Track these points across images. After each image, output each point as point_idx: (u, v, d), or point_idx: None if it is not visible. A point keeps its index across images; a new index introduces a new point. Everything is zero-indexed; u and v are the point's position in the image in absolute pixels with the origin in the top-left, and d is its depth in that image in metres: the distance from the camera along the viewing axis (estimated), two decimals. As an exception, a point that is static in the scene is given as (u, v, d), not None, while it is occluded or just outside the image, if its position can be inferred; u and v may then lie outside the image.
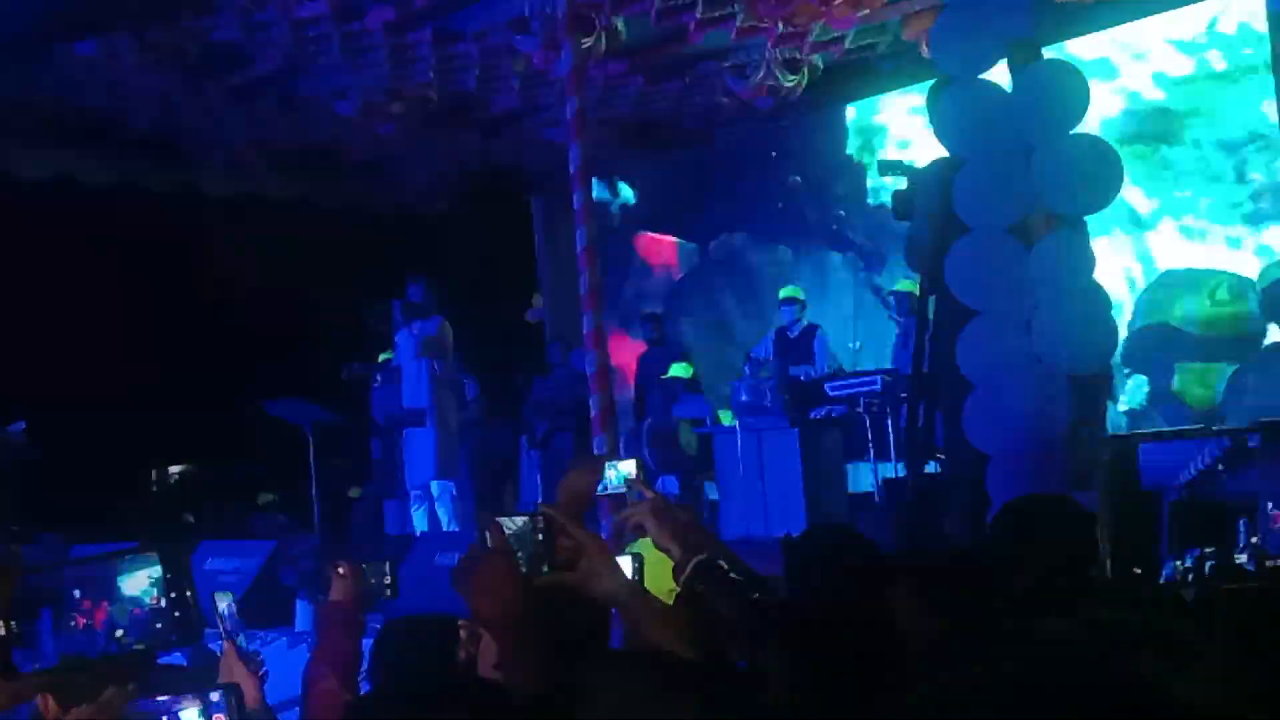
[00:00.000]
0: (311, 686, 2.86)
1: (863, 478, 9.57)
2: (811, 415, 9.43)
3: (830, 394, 9.52)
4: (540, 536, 2.22)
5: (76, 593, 1.33)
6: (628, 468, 2.82)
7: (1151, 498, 1.53)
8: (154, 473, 12.03)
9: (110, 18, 8.25)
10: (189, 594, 1.36)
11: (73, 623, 1.31)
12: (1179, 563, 1.52)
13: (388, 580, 3.17)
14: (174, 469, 12.08)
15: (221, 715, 2.23)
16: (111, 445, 10.89)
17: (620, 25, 8.91)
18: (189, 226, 11.37)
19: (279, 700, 3.35)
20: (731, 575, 2.37)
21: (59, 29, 8.44)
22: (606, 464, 2.82)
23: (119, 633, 1.33)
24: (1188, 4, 9.40)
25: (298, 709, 3.04)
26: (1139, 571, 1.56)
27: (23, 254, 10.86)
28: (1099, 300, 5.30)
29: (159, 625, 1.33)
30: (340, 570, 3.06)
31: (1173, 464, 1.53)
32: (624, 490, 2.80)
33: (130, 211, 11.20)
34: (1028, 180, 5.05)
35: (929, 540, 6.11)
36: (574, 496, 2.65)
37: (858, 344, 10.17)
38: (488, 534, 2.26)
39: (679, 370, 10.64)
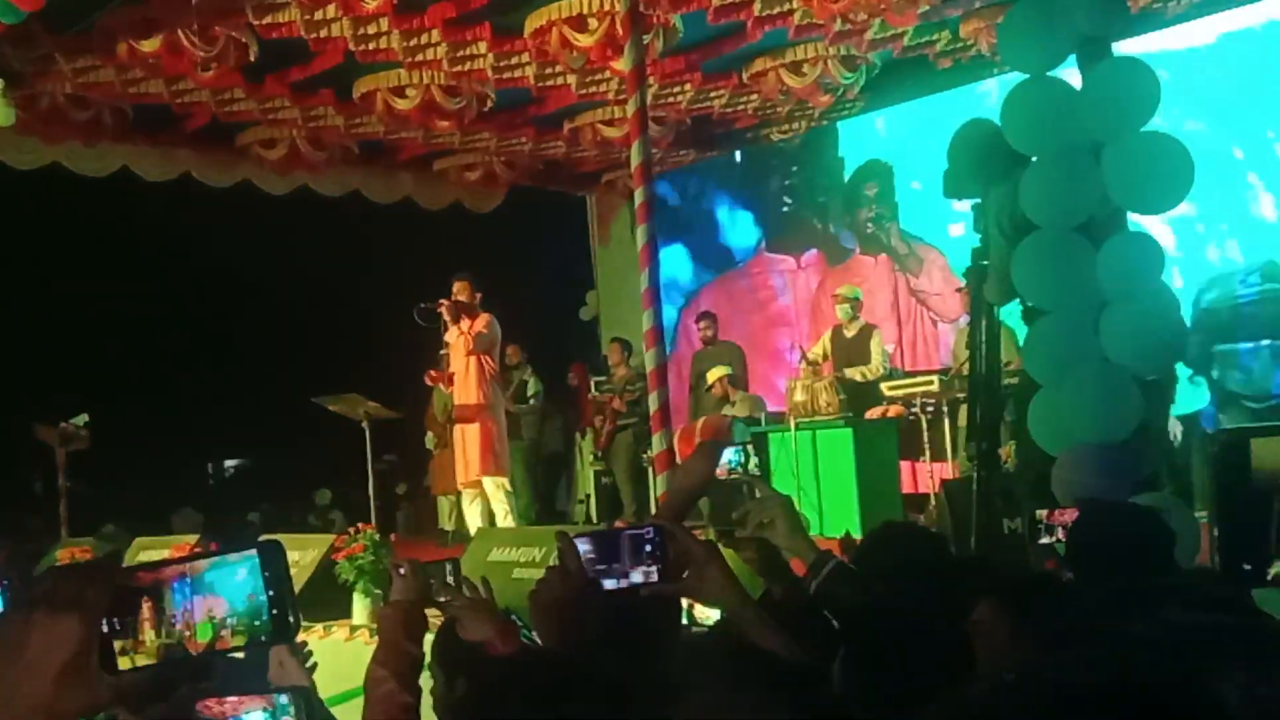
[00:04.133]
0: (373, 689, 2.85)
1: (917, 477, 9.52)
2: (867, 415, 9.39)
3: (886, 394, 9.47)
4: (659, 549, 2.16)
5: (177, 590, 1.32)
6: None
7: (1262, 494, 1.49)
8: (211, 466, 12.16)
9: (172, 14, 8.32)
10: (287, 591, 1.35)
11: (174, 619, 1.30)
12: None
13: (449, 579, 3.15)
14: (231, 462, 12.22)
15: (289, 718, 2.22)
16: (169, 439, 11.02)
17: (677, 22, 8.90)
18: (246, 222, 11.48)
19: (336, 693, 3.36)
20: (865, 580, 2.35)
21: (122, 25, 8.52)
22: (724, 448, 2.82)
23: (222, 631, 1.31)
24: (1253, 1, 9.26)
25: (352, 703, 3.03)
26: (1248, 567, 1.52)
27: (82, 249, 11.02)
28: (1167, 300, 5.22)
29: (257, 623, 1.32)
30: (401, 570, 3.05)
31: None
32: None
33: (188, 207, 11.33)
34: (1097, 179, 4.98)
35: (990, 542, 6.05)
36: (692, 484, 2.63)
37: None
38: (563, 553, 2.22)
39: (716, 373, 10.57)
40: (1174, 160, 5.07)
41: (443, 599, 3.05)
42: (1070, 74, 5.27)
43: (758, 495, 2.72)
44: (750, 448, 2.91)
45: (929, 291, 11.31)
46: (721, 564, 2.16)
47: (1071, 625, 2.21)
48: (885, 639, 2.24)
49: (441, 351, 9.54)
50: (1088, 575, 2.57)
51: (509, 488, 9.25)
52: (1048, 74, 5.18)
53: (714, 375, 10.57)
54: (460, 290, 9.23)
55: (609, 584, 2.15)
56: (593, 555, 2.17)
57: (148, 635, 1.30)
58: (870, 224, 11.91)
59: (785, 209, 12.66)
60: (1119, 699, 1.38)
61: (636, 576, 2.14)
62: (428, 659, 2.87)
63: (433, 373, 9.25)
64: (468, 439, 9.16)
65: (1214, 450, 1.44)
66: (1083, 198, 5.07)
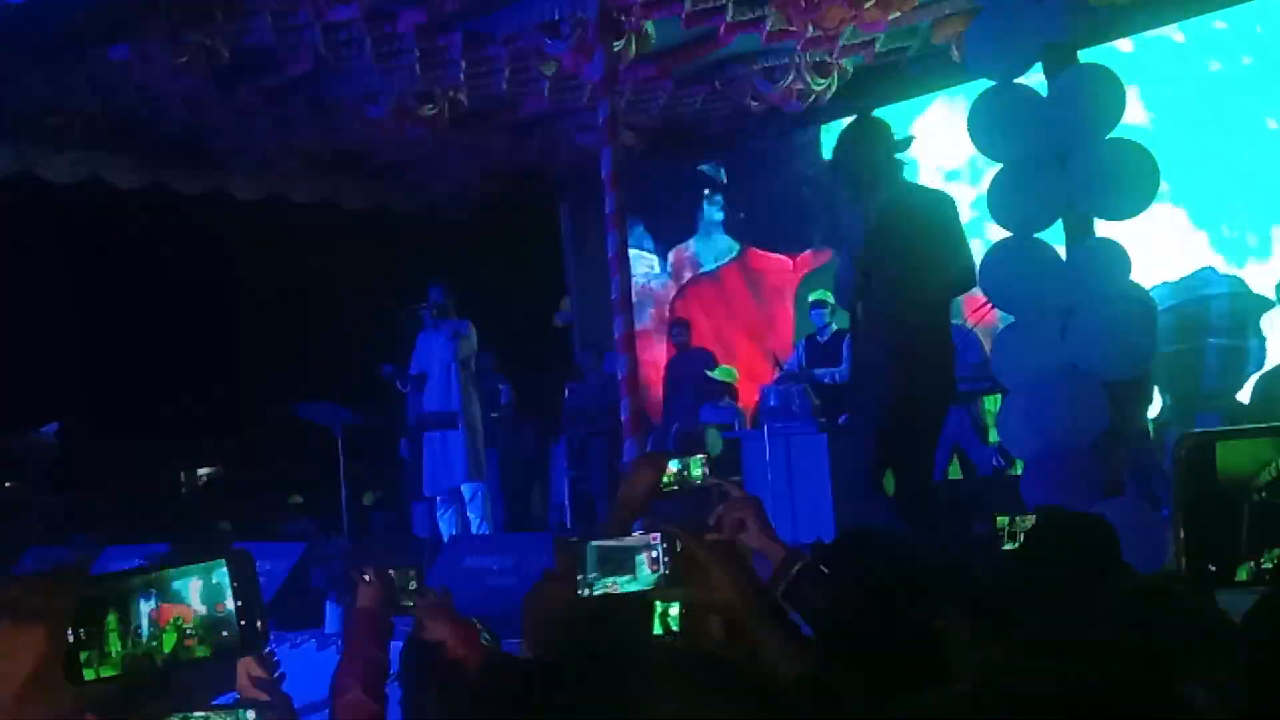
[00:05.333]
0: (338, 697, 2.85)
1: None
2: (840, 420, 9.41)
3: (859, 399, 9.50)
4: (666, 555, 2.17)
5: (142, 598, 1.32)
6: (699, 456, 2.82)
7: (1228, 497, 1.52)
8: (183, 474, 12.08)
9: (143, 21, 8.29)
10: (256, 601, 1.35)
11: (139, 628, 1.31)
12: (1253, 564, 1.50)
13: (414, 585, 3.15)
14: (203, 471, 12.13)
15: None
16: (141, 447, 10.94)
17: (650, 29, 8.92)
18: (218, 229, 11.42)
19: (306, 703, 3.35)
20: (834, 580, 2.36)
21: (91, 32, 8.49)
22: (671, 459, 2.83)
23: (186, 640, 1.32)
24: (1223, 8, 9.35)
25: (324, 712, 3.03)
26: (1214, 569, 1.55)
27: (53, 256, 10.94)
28: (1135, 305, 5.27)
29: (225, 633, 1.33)
30: (366, 577, 3.05)
31: (1252, 463, 1.51)
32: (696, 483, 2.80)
33: (160, 214, 11.27)
34: (1063, 186, 5.03)
35: (956, 545, 6.10)
36: (636, 495, 2.64)
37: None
38: (559, 560, 2.24)
39: (723, 374, 10.62)
40: (1139, 166, 5.13)
41: (405, 603, 3.07)
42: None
43: (730, 496, 2.73)
44: (702, 457, 2.91)
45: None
46: (728, 567, 2.17)
47: (1030, 630, 2.23)
48: (855, 640, 2.26)
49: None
50: (1040, 581, 2.60)
51: (486, 493, 9.24)
52: (1013, 81, 5.23)
53: (722, 375, 10.63)
54: (439, 294, 9.23)
55: (599, 590, 2.16)
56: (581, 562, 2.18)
57: (113, 645, 1.30)
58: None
59: (763, 214, 12.68)
60: (1078, 706, 1.40)
61: (619, 583, 2.16)
62: (394, 667, 2.88)
63: (389, 366, 9.17)
64: (448, 444, 9.14)
65: (1180, 453, 1.47)
66: (1049, 204, 5.12)
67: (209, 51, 8.67)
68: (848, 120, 5.69)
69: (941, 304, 5.42)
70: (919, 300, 5.19)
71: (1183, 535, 1.59)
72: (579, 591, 2.16)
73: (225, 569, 1.34)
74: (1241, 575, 1.55)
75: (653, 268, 13.43)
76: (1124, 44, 9.79)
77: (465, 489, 9.09)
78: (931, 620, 2.30)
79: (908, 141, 5.67)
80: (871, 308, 5.37)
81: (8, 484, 10.10)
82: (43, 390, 10.52)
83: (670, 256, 13.44)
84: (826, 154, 12.00)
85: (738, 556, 2.46)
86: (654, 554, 2.09)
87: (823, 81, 10.05)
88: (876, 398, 5.34)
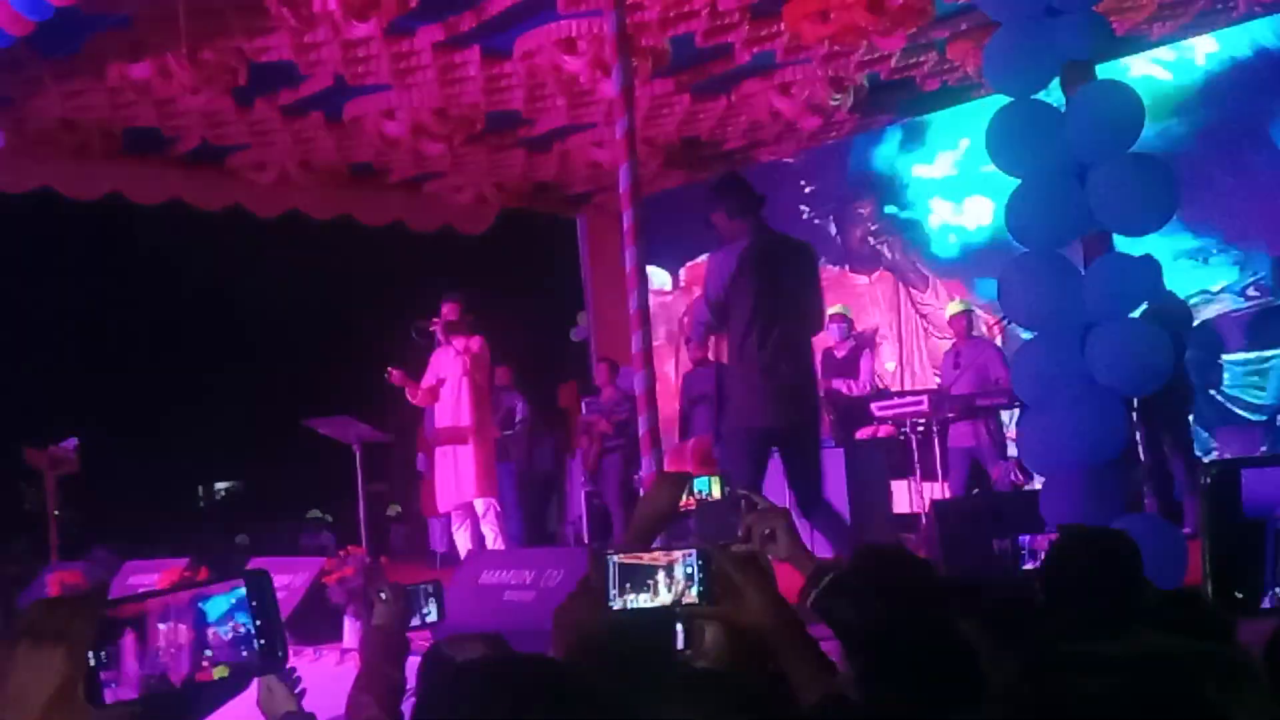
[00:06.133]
0: (355, 714, 2.84)
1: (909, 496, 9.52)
2: (857, 435, 9.40)
3: (876, 414, 9.49)
4: (701, 572, 2.17)
5: (160, 619, 1.33)
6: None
7: (1254, 525, 1.52)
8: (201, 489, 12.13)
9: (162, 38, 8.34)
10: (274, 621, 1.36)
11: (156, 650, 1.31)
12: (1277, 591, 1.50)
13: (432, 602, 3.14)
14: (221, 485, 12.18)
15: None
16: (160, 461, 11.00)
17: (667, 44, 8.93)
18: (237, 245, 11.48)
19: (328, 718, 3.34)
20: (864, 590, 2.35)
21: (112, 49, 8.55)
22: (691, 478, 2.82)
23: (204, 660, 1.32)
24: (1239, 24, 9.34)
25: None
26: (1240, 596, 1.55)
27: (73, 272, 11.01)
28: (1156, 321, 5.24)
29: (244, 652, 1.33)
30: (383, 595, 3.04)
31: (1276, 491, 1.51)
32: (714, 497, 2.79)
33: (179, 230, 11.33)
34: (1082, 201, 5.01)
35: (975, 561, 6.08)
36: (656, 512, 2.63)
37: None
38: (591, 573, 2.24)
39: None
40: (1158, 182, 5.10)
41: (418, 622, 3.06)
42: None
43: (758, 508, 2.72)
44: (720, 479, 2.91)
45: (936, 306, 11.36)
46: (760, 586, 2.16)
47: (1048, 647, 2.22)
48: (889, 651, 2.25)
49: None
50: (1060, 599, 2.59)
51: (499, 508, 9.23)
52: (1032, 96, 5.21)
53: None
54: (450, 311, 9.22)
55: (632, 604, 2.16)
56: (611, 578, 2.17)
57: (130, 667, 1.30)
58: (871, 238, 11.94)
59: (778, 229, 12.67)
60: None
61: (643, 600, 2.15)
62: (410, 683, 2.87)
63: (396, 372, 9.13)
64: (459, 460, 9.13)
65: (1205, 480, 1.47)
66: (1068, 219, 5.09)
67: (227, 69, 8.72)
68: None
69: (801, 342, 6.35)
70: (778, 340, 6.06)
71: (1208, 562, 1.59)
72: (608, 605, 2.16)
73: (244, 589, 1.34)
74: (1267, 603, 1.55)
75: (666, 283, 13.43)
76: (1142, 59, 9.79)
77: (478, 504, 9.08)
78: (958, 631, 2.29)
79: (762, 199, 6.49)
80: (734, 344, 6.16)
81: (29, 498, 10.15)
82: (62, 405, 10.58)
83: (683, 272, 13.44)
84: (851, 166, 12.07)
85: (768, 577, 2.46)
86: (680, 571, 2.09)
87: (838, 96, 10.05)
88: (745, 429, 6.10)
